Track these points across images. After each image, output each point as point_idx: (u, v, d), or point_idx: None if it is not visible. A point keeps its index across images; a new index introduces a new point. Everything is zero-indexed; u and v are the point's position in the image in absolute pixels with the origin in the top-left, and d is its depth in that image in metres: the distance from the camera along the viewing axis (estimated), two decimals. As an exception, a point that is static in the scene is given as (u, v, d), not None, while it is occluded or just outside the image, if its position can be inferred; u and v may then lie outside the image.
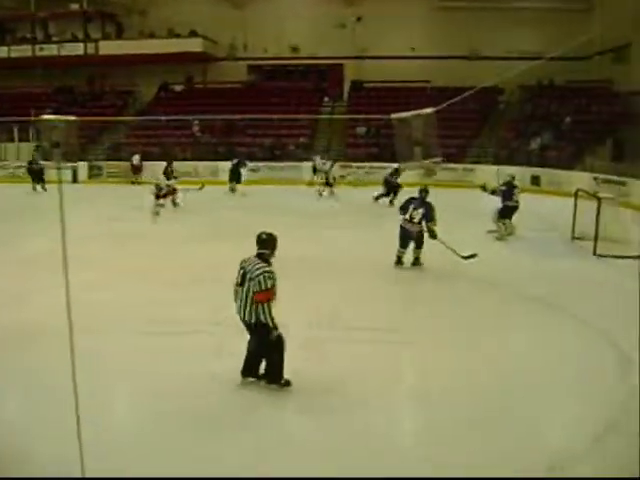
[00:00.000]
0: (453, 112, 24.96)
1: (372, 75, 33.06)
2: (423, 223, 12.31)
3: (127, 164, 27.93)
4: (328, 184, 23.30)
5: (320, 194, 23.16)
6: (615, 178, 22.30)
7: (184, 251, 13.91)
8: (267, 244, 6.84)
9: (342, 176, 24.29)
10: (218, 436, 6.18)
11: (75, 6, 33.79)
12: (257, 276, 6.56)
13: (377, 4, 32.65)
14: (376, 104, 30.42)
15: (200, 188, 20.37)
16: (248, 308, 6.67)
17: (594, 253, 13.61)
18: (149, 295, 10.51)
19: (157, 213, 17.88)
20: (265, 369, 7.05)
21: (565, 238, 15.40)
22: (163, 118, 28.30)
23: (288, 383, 6.96)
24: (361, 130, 29.81)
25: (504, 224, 15.61)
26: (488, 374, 7.57)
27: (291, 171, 27.63)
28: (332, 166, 23.72)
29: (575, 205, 15.58)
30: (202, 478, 5.58)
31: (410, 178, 22.32)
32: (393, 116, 4.99)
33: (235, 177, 24.05)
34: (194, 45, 32.86)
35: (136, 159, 27.56)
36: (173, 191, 19.12)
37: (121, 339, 8.45)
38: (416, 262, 12.80)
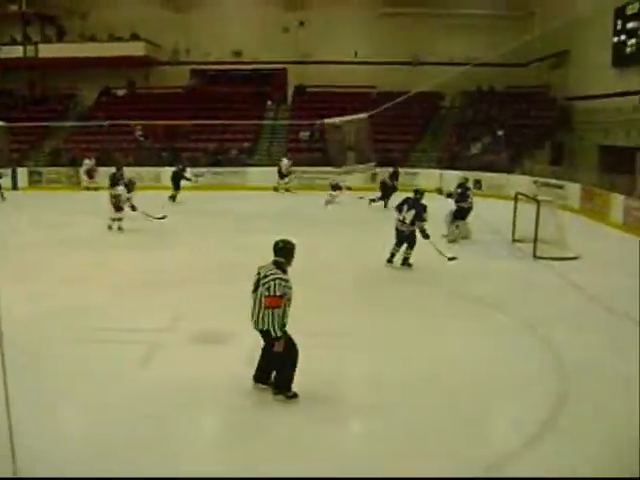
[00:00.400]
0: (396, 117, 25.41)
1: (316, 80, 33.14)
2: (416, 224, 12.58)
3: (67, 170, 27.46)
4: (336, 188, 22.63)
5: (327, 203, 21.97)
6: (553, 181, 22.84)
7: (126, 258, 13.83)
8: (283, 252, 6.80)
9: (349, 187, 22.63)
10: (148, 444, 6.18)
11: (14, 7, 33.11)
12: (268, 282, 6.53)
13: (320, 9, 32.84)
14: (320, 109, 30.40)
15: (162, 218, 17.56)
16: (260, 314, 6.62)
17: (534, 255, 13.94)
18: (93, 302, 10.41)
19: (119, 228, 16.73)
20: (274, 377, 7.00)
21: (506, 240, 15.73)
22: (104, 124, 27.83)
23: (295, 395, 6.86)
24: (304, 135, 29.87)
25: (457, 226, 15.81)
26: (430, 376, 7.68)
27: (235, 176, 27.51)
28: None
29: (515, 208, 15.93)
30: (201, 478, 5.63)
31: (356, 181, 22.63)
32: (326, 121, 5.08)
33: (175, 184, 23.02)
34: (136, 49, 32.45)
35: (88, 164, 26.80)
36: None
37: (64, 348, 8.37)
38: (405, 262, 13.00)
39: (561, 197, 20.76)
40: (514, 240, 15.59)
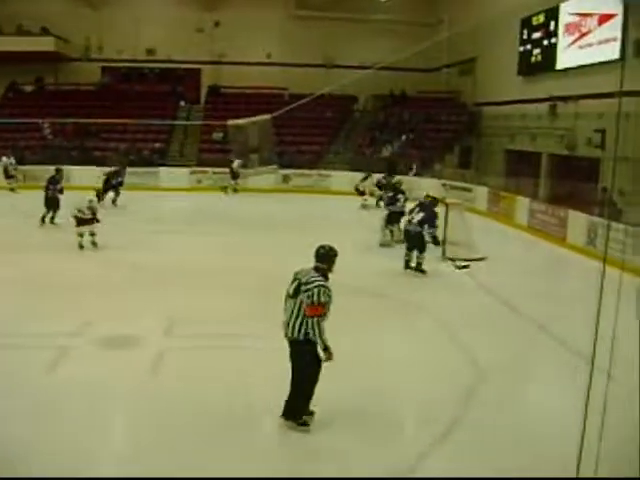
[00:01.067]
0: (310, 119, 25.60)
1: (230, 80, 33.04)
2: (425, 227, 12.77)
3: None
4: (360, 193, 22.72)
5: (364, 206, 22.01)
6: (462, 184, 23.46)
7: (37, 260, 13.52)
8: (326, 259, 6.32)
9: (364, 195, 22.77)
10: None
11: None
12: (311, 289, 6.07)
13: (235, 10, 32.70)
14: (233, 110, 30.35)
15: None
16: (298, 322, 6.15)
17: (443, 256, 14.33)
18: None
19: (81, 246, 14.70)
20: (286, 400, 6.42)
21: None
22: (10, 121, 26.92)
23: (305, 424, 6.37)
24: (218, 135, 29.63)
25: (391, 231, 15.91)
26: (344, 377, 7.78)
27: (147, 177, 27.07)
28: (366, 179, 23.35)
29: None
30: (200, 478, 5.61)
31: (264, 182, 22.66)
32: (229, 122, 5.12)
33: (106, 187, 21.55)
34: (45, 44, 31.32)
35: (5, 161, 25.04)
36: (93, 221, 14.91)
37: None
38: (418, 267, 13.07)
39: (469, 200, 21.34)
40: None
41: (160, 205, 21.75)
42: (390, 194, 16.19)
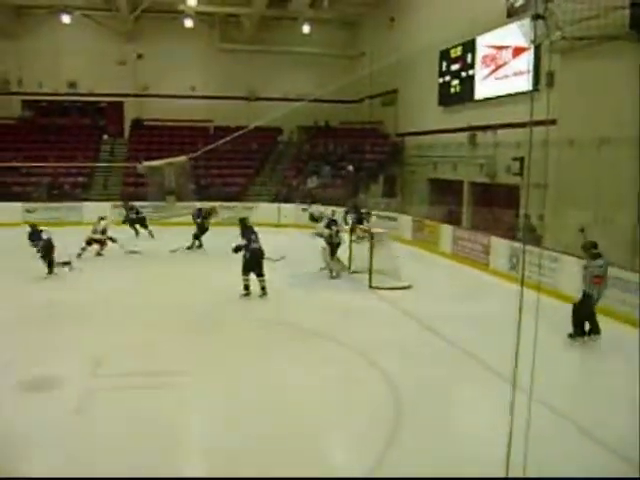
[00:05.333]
0: (234, 152, 25.61)
1: (154, 113, 32.85)
2: None
3: None
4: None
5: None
6: (386, 214, 23.73)
7: None
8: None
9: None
10: None
11: None
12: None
13: (158, 42, 32.55)
14: (158, 142, 30.21)
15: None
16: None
17: (369, 285, 14.45)
18: None
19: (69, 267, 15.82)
20: None
21: (344, 272, 16.11)
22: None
23: None
24: (142, 168, 29.31)
25: (338, 261, 16.08)
26: (259, 407, 7.80)
27: (70, 212, 26.45)
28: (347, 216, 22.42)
29: (351, 240, 16.47)
30: (201, 478, 5.87)
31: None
32: (144, 164, 5.08)
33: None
34: (-38, 77, 30.84)
35: None
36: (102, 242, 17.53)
37: None
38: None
39: (394, 228, 21.58)
40: (351, 272, 16.05)
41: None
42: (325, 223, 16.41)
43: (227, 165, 28.71)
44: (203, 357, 9.59)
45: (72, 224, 24.61)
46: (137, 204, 22.22)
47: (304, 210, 21.90)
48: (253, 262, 13.33)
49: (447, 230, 19.94)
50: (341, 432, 7.47)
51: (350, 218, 21.92)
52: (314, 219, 16.54)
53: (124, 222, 22.45)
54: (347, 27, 34.49)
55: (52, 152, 28.29)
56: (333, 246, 15.98)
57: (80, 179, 28.87)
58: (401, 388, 8.42)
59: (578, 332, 10.42)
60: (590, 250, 10.48)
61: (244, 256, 13.31)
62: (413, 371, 9.16)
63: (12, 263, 16.29)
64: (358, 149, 30.28)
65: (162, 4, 30.90)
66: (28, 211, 25.36)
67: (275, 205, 26.73)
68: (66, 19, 31.66)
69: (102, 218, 18.55)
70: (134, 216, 22.48)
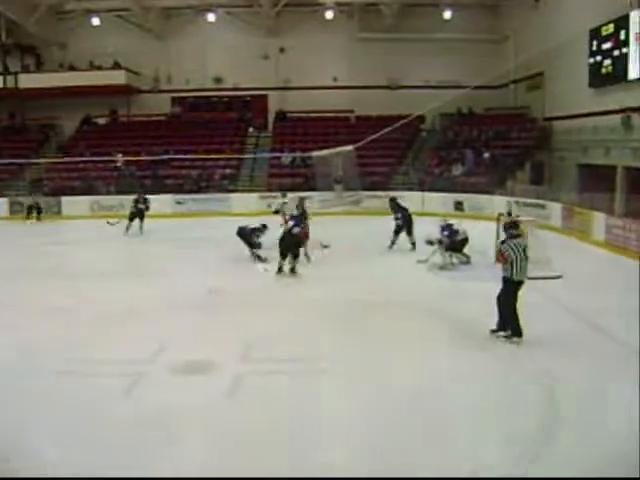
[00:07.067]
0: (377, 141, 25.51)
1: (296, 105, 33.46)
2: None
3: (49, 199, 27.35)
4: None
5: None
6: (534, 201, 22.96)
7: (107, 288, 13.79)
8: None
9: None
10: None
11: (-6, 38, 32.96)
12: None
13: (299, 35, 33.19)
14: (301, 134, 30.74)
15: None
16: None
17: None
18: (74, 333, 10.36)
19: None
20: None
21: (488, 262, 15.66)
22: (79, 160, 27.64)
23: None
24: (286, 159, 29.91)
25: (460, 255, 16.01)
26: (427, 397, 7.68)
27: (218, 203, 27.37)
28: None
29: (497, 229, 15.98)
30: (201, 478, 5.84)
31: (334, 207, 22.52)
32: (314, 154, 5.07)
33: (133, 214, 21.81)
34: (117, 77, 32.45)
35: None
36: None
37: (46, 379, 8.34)
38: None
39: (543, 217, 20.85)
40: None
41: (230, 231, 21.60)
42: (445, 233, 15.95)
43: (370, 155, 28.68)
44: (352, 348, 9.63)
45: (220, 214, 25.44)
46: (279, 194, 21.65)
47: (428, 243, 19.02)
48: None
49: (599, 218, 19.02)
50: (496, 428, 7.26)
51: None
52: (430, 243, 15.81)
53: (131, 215, 21.70)
54: (489, 10, 33.47)
55: (200, 146, 29.33)
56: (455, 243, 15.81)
57: (227, 171, 29.73)
58: (560, 387, 8.10)
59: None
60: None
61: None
62: (571, 367, 8.76)
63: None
64: (502, 135, 29.44)
65: (302, -3, 31.30)
66: (178, 202, 26.34)
67: (419, 194, 26.41)
68: (211, 18, 32.81)
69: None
70: (142, 207, 21.88)
